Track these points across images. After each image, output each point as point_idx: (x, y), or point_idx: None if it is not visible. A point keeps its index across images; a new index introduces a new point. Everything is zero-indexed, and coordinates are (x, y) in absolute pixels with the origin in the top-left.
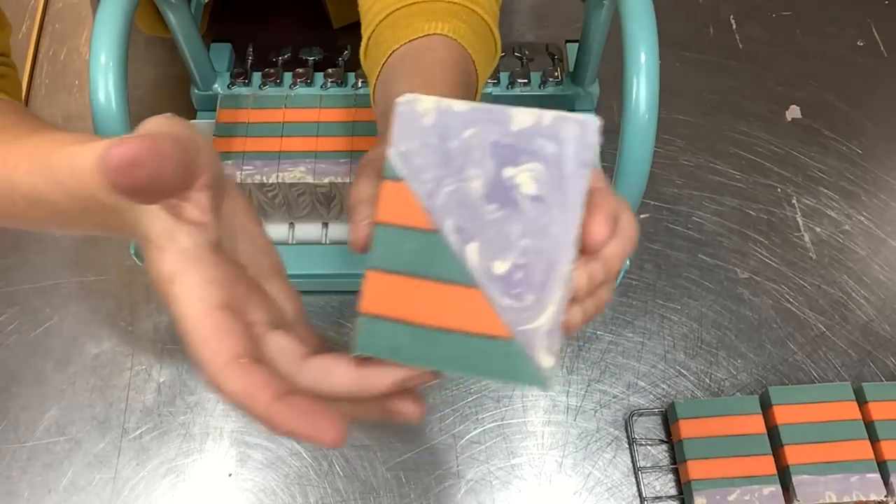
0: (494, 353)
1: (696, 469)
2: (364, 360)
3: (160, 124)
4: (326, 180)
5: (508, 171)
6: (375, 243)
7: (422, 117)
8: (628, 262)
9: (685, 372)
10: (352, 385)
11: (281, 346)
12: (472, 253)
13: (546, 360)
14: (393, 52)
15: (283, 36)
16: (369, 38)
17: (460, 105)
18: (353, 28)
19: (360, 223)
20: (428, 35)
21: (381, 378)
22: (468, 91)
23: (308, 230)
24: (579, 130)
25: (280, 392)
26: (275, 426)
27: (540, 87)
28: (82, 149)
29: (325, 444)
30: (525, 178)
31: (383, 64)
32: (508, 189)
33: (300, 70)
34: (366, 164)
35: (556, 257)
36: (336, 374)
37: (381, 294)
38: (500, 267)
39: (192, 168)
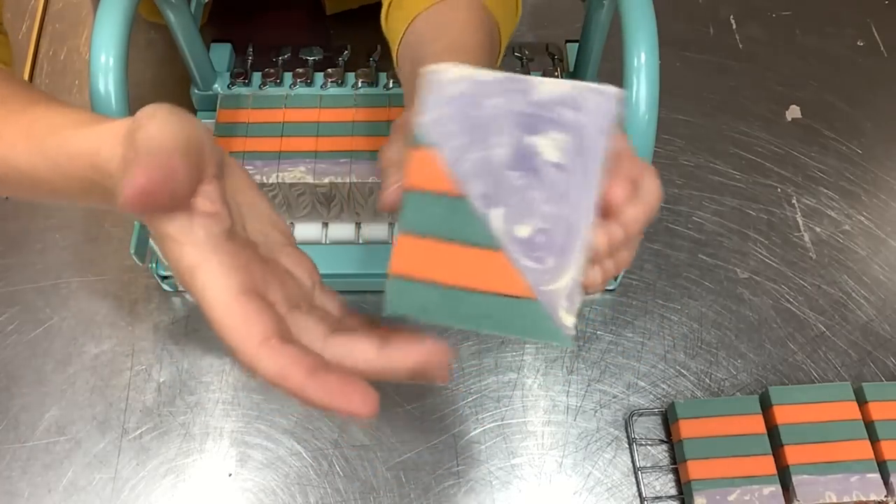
0: (518, 312)
1: (696, 469)
2: (387, 336)
3: (163, 128)
4: (326, 180)
5: (532, 140)
6: (405, 207)
7: (449, 87)
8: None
9: (685, 372)
10: (374, 365)
11: (302, 327)
12: (496, 218)
13: (567, 319)
14: (417, 15)
15: (283, 36)
16: (391, 2)
17: (487, 75)
18: (353, 28)
19: (391, 187)
20: None
21: (403, 359)
22: (492, 51)
23: (308, 230)
24: (601, 100)
25: (313, 368)
26: (311, 401)
27: None
28: (79, 135)
29: (360, 415)
30: (548, 146)
31: (406, 28)
32: (532, 157)
33: (300, 70)
34: (396, 128)
35: (577, 222)
36: (358, 354)
37: (410, 256)
38: (523, 231)
39: (201, 167)
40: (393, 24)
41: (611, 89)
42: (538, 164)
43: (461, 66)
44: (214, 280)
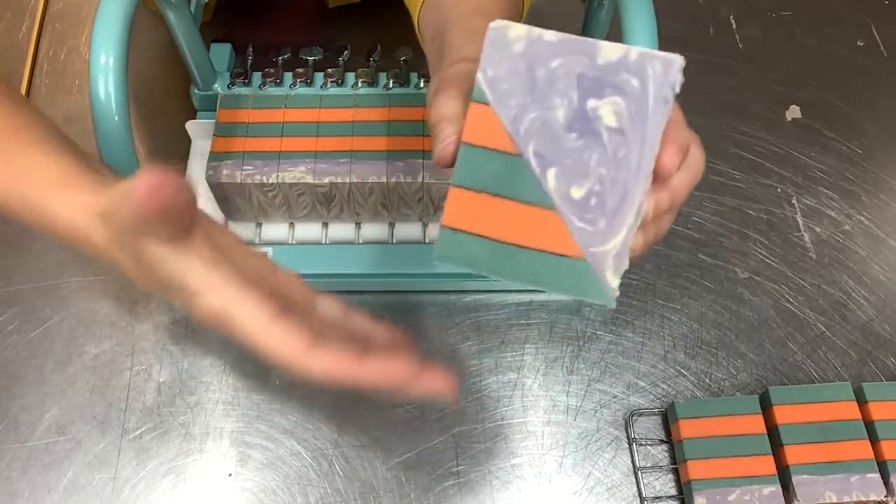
0: (565, 271)
1: (696, 469)
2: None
3: (155, 171)
4: (326, 180)
5: (592, 103)
6: (459, 162)
7: (512, 44)
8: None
9: (685, 372)
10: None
11: (327, 308)
12: (551, 177)
13: (613, 281)
14: None
15: (283, 36)
16: None
17: (550, 35)
18: (353, 27)
19: (446, 141)
20: None
21: (430, 384)
22: (517, 12)
23: (308, 230)
24: (662, 68)
25: (359, 355)
26: (367, 381)
27: None
28: (59, 201)
29: (407, 384)
30: (607, 110)
31: None
32: (590, 120)
33: (300, 70)
34: (445, 81)
35: (630, 187)
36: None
37: (462, 209)
38: (577, 192)
39: (194, 205)
40: None
41: (674, 57)
42: (597, 128)
43: (524, 25)
44: (249, 315)
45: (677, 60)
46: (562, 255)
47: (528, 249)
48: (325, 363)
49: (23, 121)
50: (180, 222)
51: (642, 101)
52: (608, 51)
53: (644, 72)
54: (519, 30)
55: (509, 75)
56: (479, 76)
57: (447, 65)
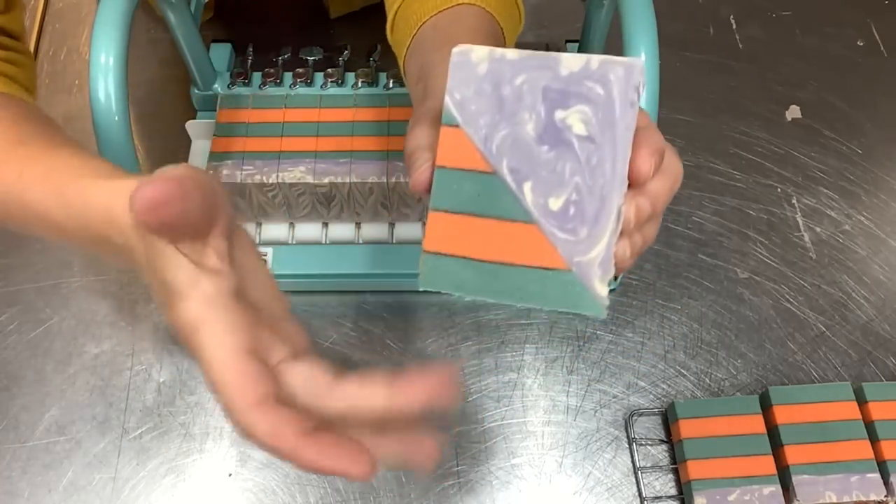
0: (553, 284)
1: (696, 469)
2: (393, 376)
3: (181, 169)
4: (326, 180)
5: (560, 114)
6: (436, 185)
7: (476, 66)
8: None
9: (685, 372)
10: (386, 400)
11: (307, 375)
12: (527, 192)
13: (601, 289)
14: (423, 23)
15: (283, 36)
16: (396, 13)
17: (511, 53)
18: (353, 27)
19: (421, 167)
20: (456, 5)
21: (414, 391)
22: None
23: (308, 230)
24: (624, 72)
25: (306, 429)
26: (303, 463)
27: None
28: (96, 187)
29: (354, 477)
30: (575, 119)
31: (413, 35)
32: (560, 131)
33: (300, 70)
34: (420, 116)
35: (607, 193)
36: (370, 391)
37: (442, 233)
38: (555, 203)
39: (213, 211)
40: (398, 34)
41: (634, 61)
42: (567, 138)
43: (486, 46)
44: (216, 337)
45: (637, 64)
46: (547, 269)
47: (513, 266)
48: (267, 426)
49: (38, 126)
50: (186, 232)
51: (609, 107)
52: (569, 62)
53: (607, 78)
54: (481, 52)
55: (476, 96)
56: (448, 99)
57: (415, 110)
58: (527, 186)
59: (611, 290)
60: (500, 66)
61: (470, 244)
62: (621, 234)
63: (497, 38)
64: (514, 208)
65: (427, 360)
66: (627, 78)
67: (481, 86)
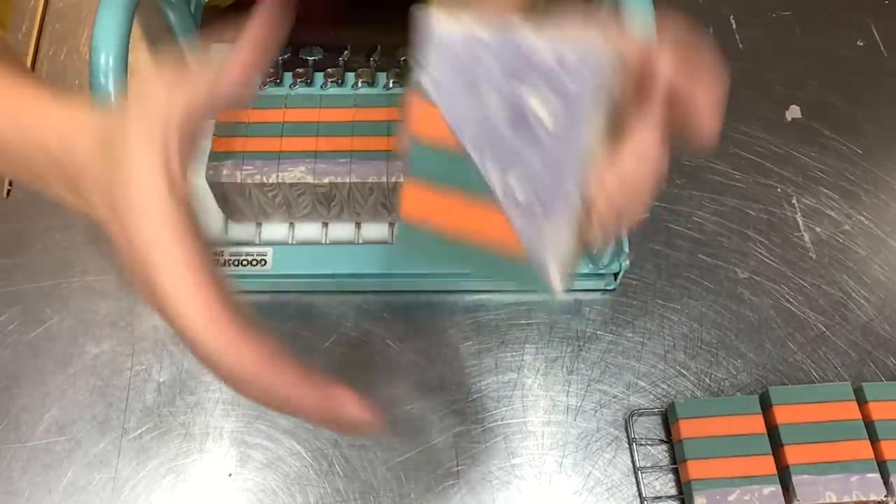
0: (509, 263)
1: (696, 469)
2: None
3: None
4: (326, 180)
5: (527, 99)
6: (412, 154)
7: (448, 44)
8: (628, 263)
9: (685, 372)
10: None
11: None
12: (492, 171)
13: (555, 271)
14: None
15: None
16: None
17: (487, 32)
18: (353, 28)
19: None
20: None
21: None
22: None
23: (308, 230)
24: (594, 59)
25: (277, 354)
26: (282, 399)
27: None
28: (55, 111)
29: (359, 423)
30: (541, 105)
31: None
32: (527, 116)
33: (300, 70)
34: None
35: (567, 176)
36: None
37: (416, 201)
38: (515, 183)
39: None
40: None
41: (605, 49)
42: (532, 123)
43: (457, 16)
44: (170, 256)
45: (609, 52)
46: (504, 248)
47: (476, 241)
48: (230, 346)
49: (14, 62)
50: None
51: (575, 95)
52: (542, 46)
53: (576, 65)
54: (452, 24)
55: (450, 76)
56: (424, 77)
57: None
58: (493, 169)
59: (610, 290)
60: (471, 46)
61: (441, 215)
62: (593, 215)
63: None
64: (480, 186)
65: (427, 360)
66: (596, 65)
67: (452, 65)
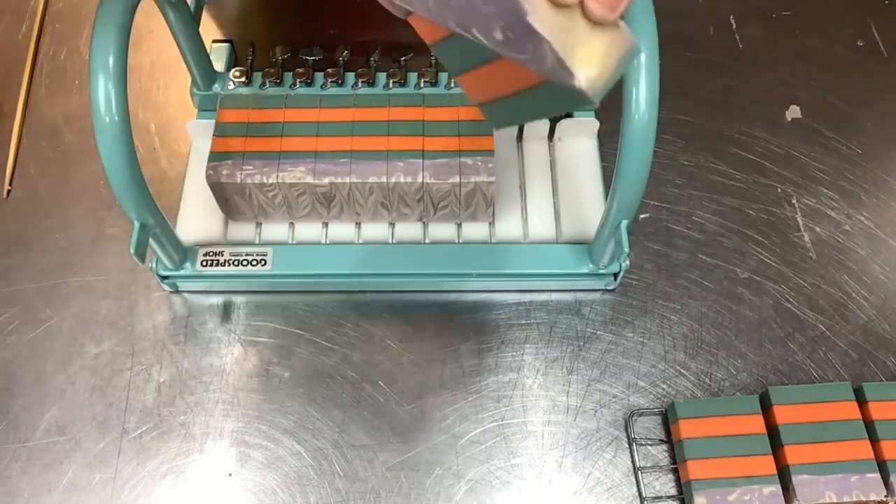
0: (545, 95)
1: (696, 469)
2: None
3: None
4: (326, 180)
5: None
6: (442, 58)
7: None
8: (628, 263)
9: (685, 372)
10: None
11: None
12: (479, 36)
13: (578, 77)
14: None
15: (283, 36)
16: None
17: None
18: (353, 28)
19: None
20: None
21: None
22: None
23: (308, 230)
24: None
25: None
26: None
27: None
28: None
29: None
30: None
31: None
32: None
33: (300, 70)
34: None
35: (522, 12)
36: None
37: (470, 87)
38: (498, 35)
39: None
40: None
41: None
42: None
43: None
44: None
45: None
46: (533, 87)
47: (519, 93)
48: None
49: None
50: None
51: None
52: None
53: None
54: None
55: None
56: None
57: None
58: (476, 32)
59: (610, 290)
60: None
61: (488, 88)
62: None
63: None
64: (485, 52)
65: (427, 360)
66: None
67: None
